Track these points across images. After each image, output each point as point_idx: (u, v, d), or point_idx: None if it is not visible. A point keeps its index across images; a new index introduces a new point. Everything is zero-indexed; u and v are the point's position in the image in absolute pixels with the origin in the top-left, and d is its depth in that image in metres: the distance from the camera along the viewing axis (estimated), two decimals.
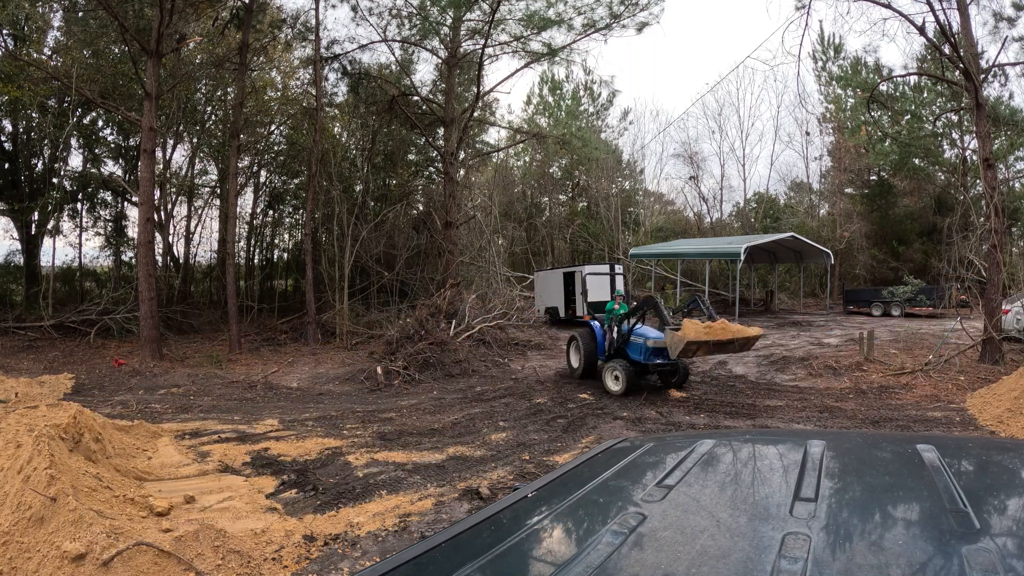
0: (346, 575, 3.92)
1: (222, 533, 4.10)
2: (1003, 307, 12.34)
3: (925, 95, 24.04)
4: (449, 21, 17.86)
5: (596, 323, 10.73)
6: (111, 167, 19.76)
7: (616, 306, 10.56)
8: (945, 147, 25.59)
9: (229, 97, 19.23)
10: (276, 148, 21.75)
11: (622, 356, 9.87)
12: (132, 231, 19.49)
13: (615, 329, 10.10)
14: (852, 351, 12.92)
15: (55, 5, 15.75)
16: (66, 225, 19.12)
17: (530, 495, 1.43)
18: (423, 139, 21.27)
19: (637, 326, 9.80)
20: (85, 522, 3.58)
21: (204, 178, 22.04)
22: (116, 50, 16.15)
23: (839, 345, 14.25)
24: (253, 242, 23.00)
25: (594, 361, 10.64)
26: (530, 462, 6.36)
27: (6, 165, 17.38)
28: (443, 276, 18.09)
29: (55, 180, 17.88)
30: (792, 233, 22.88)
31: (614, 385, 9.65)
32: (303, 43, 19.25)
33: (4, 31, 15.15)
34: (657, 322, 9.74)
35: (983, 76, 12.42)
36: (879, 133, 25.02)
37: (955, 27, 11.41)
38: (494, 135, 28.01)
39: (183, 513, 4.59)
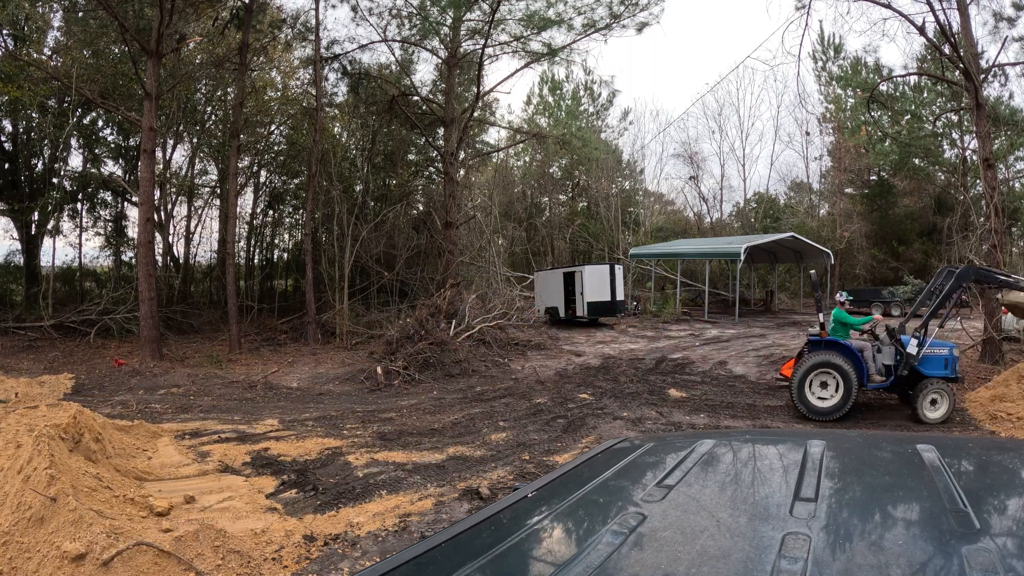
0: (346, 575, 3.92)
1: (222, 533, 4.09)
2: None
3: (925, 95, 24.03)
4: (449, 21, 17.86)
5: (853, 343, 8.23)
6: (111, 167, 19.78)
7: (843, 311, 8.45)
8: (945, 147, 25.58)
9: (229, 97, 19.23)
10: (276, 148, 21.75)
11: (916, 376, 7.90)
12: (132, 231, 19.50)
13: (888, 344, 8.13)
14: None
15: (55, 5, 15.75)
16: (66, 225, 19.14)
17: (530, 495, 1.43)
18: (423, 139, 21.27)
19: (912, 338, 7.90)
20: (85, 522, 3.58)
21: (204, 178, 22.05)
22: (116, 50, 16.15)
23: None
24: (253, 242, 23.00)
25: (857, 392, 8.05)
26: (530, 462, 6.36)
27: (6, 165, 17.38)
28: (443, 276, 18.09)
29: (55, 180, 17.87)
30: (792, 233, 22.88)
31: (932, 412, 7.72)
32: (303, 43, 19.26)
33: (4, 31, 15.15)
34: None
35: (983, 76, 12.42)
36: (879, 133, 25.01)
37: (955, 27, 11.41)
38: (494, 135, 28.02)
39: (183, 513, 4.59)
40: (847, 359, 7.93)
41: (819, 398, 8.05)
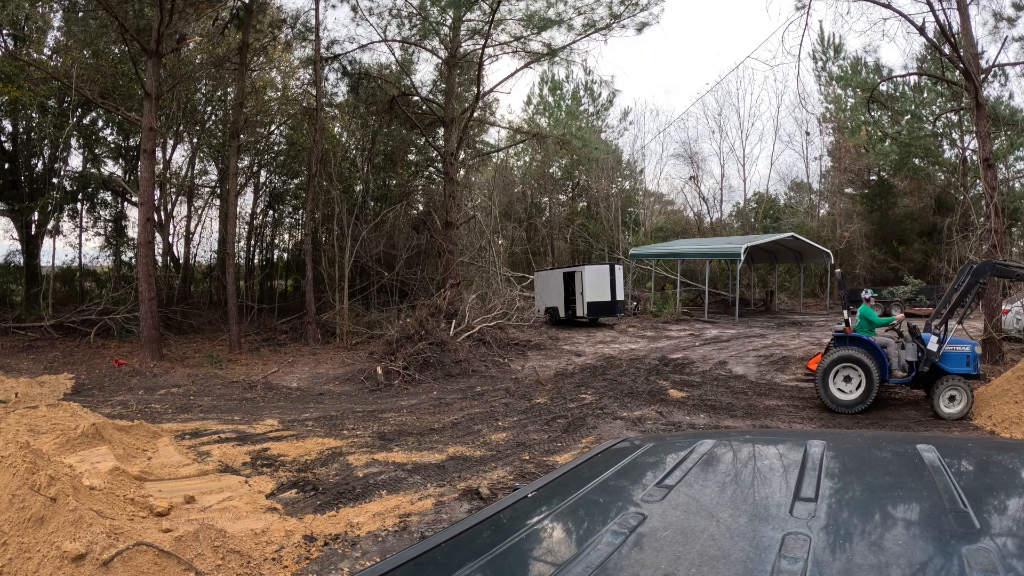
0: (346, 575, 3.92)
1: (222, 533, 4.09)
2: (1003, 307, 12.35)
3: (925, 95, 24.04)
4: (449, 21, 17.86)
5: (876, 339, 8.41)
6: (111, 167, 19.76)
7: (869, 308, 8.63)
8: (945, 147, 25.59)
9: (229, 97, 19.23)
10: (276, 148, 21.75)
11: (935, 372, 8.03)
12: (132, 231, 19.49)
13: (906, 340, 8.32)
14: None
15: (55, 5, 15.75)
16: (66, 225, 19.13)
17: (530, 495, 1.43)
18: (423, 139, 21.27)
19: (935, 334, 8.04)
20: (85, 522, 3.58)
21: (204, 178, 22.04)
22: (116, 50, 16.14)
23: None
24: (253, 242, 22.99)
25: (880, 387, 8.28)
26: (530, 462, 6.36)
27: (6, 165, 17.38)
28: (443, 276, 18.09)
29: (55, 180, 17.87)
30: (792, 233, 22.89)
31: (950, 407, 7.83)
32: (303, 43, 19.26)
33: (4, 31, 15.14)
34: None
35: (983, 76, 12.42)
36: (879, 133, 25.01)
37: (955, 27, 11.41)
38: (494, 135, 28.00)
39: (183, 513, 4.59)
40: (870, 354, 8.12)
41: (842, 391, 8.25)
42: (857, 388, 8.15)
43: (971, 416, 7.85)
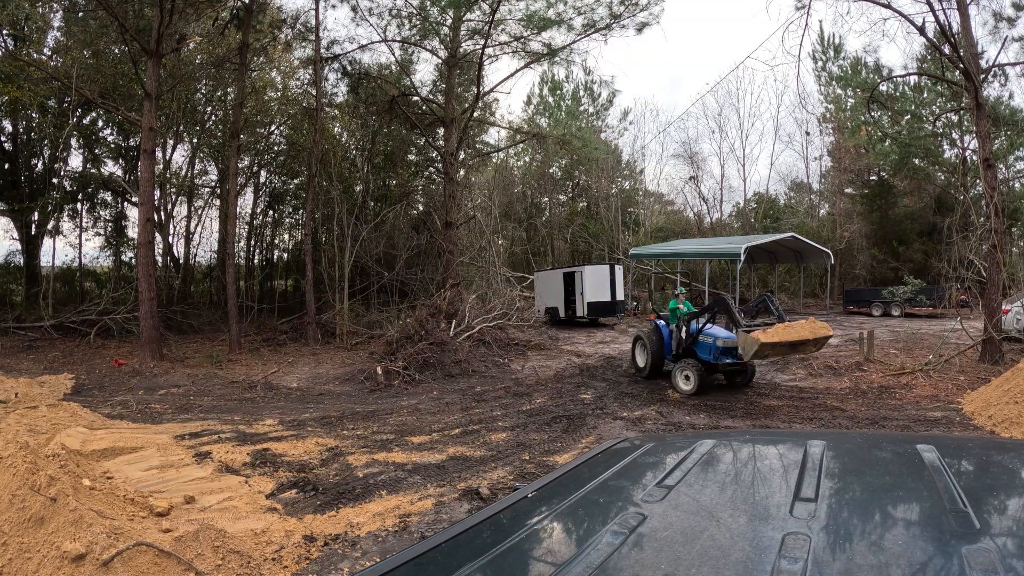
0: (346, 575, 3.92)
1: (222, 533, 4.09)
2: (1003, 307, 12.34)
3: (925, 95, 24.05)
4: (449, 21, 17.86)
5: (662, 322, 10.57)
6: (111, 167, 19.79)
7: (680, 305, 10.45)
8: (945, 147, 25.60)
9: (229, 97, 19.23)
10: (276, 148, 21.76)
11: (690, 356, 9.70)
12: (132, 231, 19.50)
13: (682, 328, 9.97)
14: (852, 351, 12.92)
15: (55, 5, 15.75)
16: (66, 225, 19.16)
17: (530, 495, 1.43)
18: (423, 139, 21.27)
19: (707, 326, 9.61)
20: (85, 522, 3.58)
21: (204, 178, 22.07)
22: (116, 50, 16.15)
23: (839, 345, 14.24)
24: (253, 242, 23.01)
25: (661, 361, 10.48)
26: (530, 462, 6.35)
27: (6, 165, 17.38)
28: (443, 276, 18.09)
29: (55, 180, 17.88)
30: (792, 233, 22.88)
31: (685, 385, 9.48)
32: (303, 43, 19.27)
33: (4, 31, 15.15)
34: (724, 321, 9.79)
35: (983, 76, 12.42)
36: (879, 133, 25.02)
37: (955, 27, 11.41)
38: (494, 135, 28.02)
39: (183, 513, 4.59)
40: (656, 335, 10.53)
41: (640, 361, 11.09)
42: (648, 359, 10.65)
43: (972, 416, 7.86)
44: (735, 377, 10.01)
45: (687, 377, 9.49)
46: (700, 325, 9.66)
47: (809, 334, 8.55)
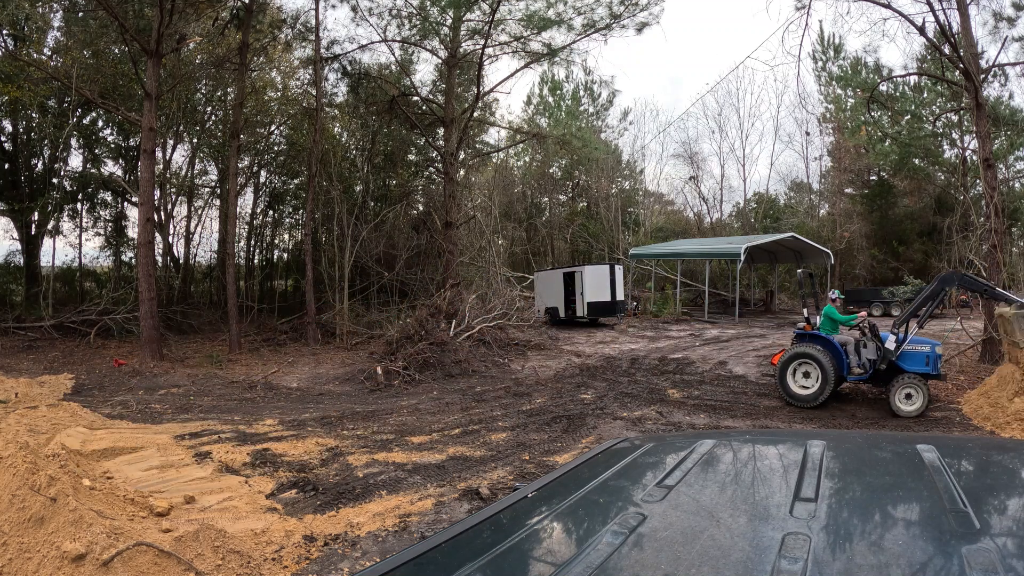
0: (346, 575, 3.92)
1: (222, 533, 4.09)
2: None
3: (925, 95, 24.04)
4: (449, 21, 17.86)
5: (832, 337, 8.63)
6: (111, 167, 19.78)
7: (833, 308, 8.93)
8: (945, 147, 25.59)
9: (229, 97, 19.23)
10: (276, 148, 21.76)
11: (894, 370, 8.18)
12: (132, 231, 19.50)
13: (867, 339, 8.44)
14: None
15: (55, 5, 15.75)
16: (66, 225, 19.15)
17: (530, 495, 1.43)
18: (423, 139, 21.27)
19: (907, 333, 8.16)
20: (85, 522, 3.58)
21: (204, 178, 22.06)
22: (116, 50, 16.15)
23: None
24: (253, 242, 23.01)
25: (839, 382, 8.60)
26: (530, 462, 6.35)
27: (6, 165, 17.38)
28: (443, 276, 18.09)
29: (55, 180, 17.88)
30: (792, 233, 22.89)
31: (908, 405, 7.93)
32: (303, 43, 19.27)
33: (4, 31, 15.15)
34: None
35: (983, 76, 12.42)
36: (879, 133, 25.00)
37: (955, 27, 11.41)
38: (494, 135, 28.01)
39: (183, 513, 4.59)
40: (827, 351, 8.40)
41: (800, 386, 8.58)
42: (814, 383, 8.42)
43: (967, 417, 7.86)
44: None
45: (908, 396, 7.93)
46: (906, 329, 8.10)
47: None
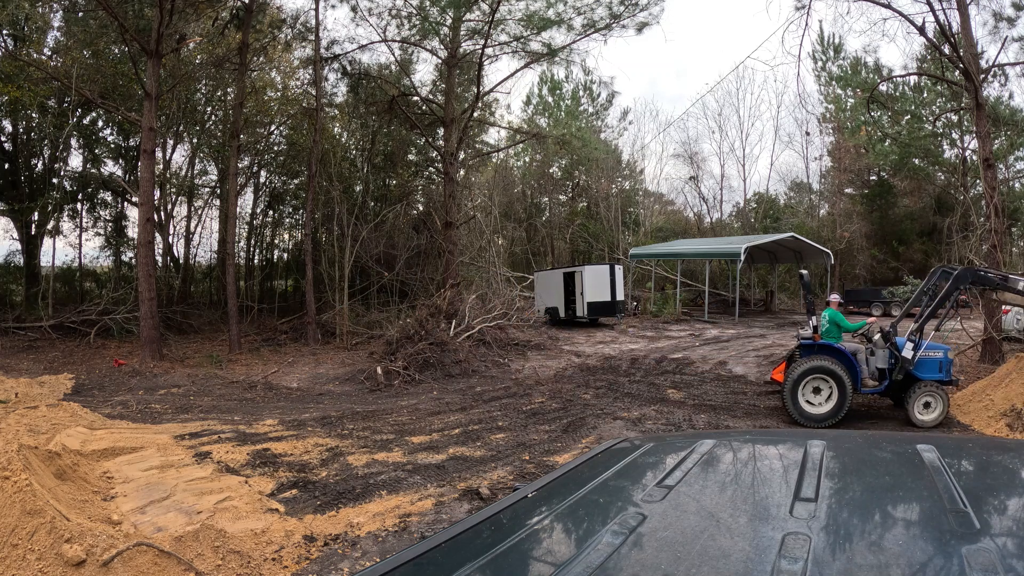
0: (346, 575, 3.92)
1: (222, 533, 4.09)
2: (1003, 307, 12.33)
3: (925, 95, 24.05)
4: (449, 21, 17.85)
5: (844, 347, 8.04)
6: (111, 167, 19.78)
7: (838, 313, 8.32)
8: (945, 147, 25.61)
9: (229, 97, 19.23)
10: (276, 148, 21.76)
11: (908, 379, 7.77)
12: (132, 231, 19.50)
13: (883, 347, 7.95)
14: None
15: (55, 5, 15.74)
16: (66, 225, 19.14)
17: (530, 495, 1.43)
18: (423, 139, 21.27)
19: (921, 341, 7.73)
20: (85, 522, 3.57)
21: (204, 178, 22.05)
22: (116, 50, 16.15)
23: None
24: (253, 242, 23.00)
25: (852, 394, 7.87)
26: (530, 462, 6.35)
27: (6, 165, 17.38)
28: (443, 276, 18.09)
29: (55, 180, 17.88)
30: (792, 233, 22.88)
31: (926, 414, 7.59)
32: (303, 43, 19.26)
33: (4, 31, 15.15)
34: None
35: (983, 76, 12.42)
36: (879, 133, 25.02)
37: (955, 27, 11.41)
38: (494, 135, 28.00)
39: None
40: (842, 364, 7.76)
41: (812, 404, 7.84)
42: (828, 400, 7.73)
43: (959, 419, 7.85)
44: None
45: (927, 404, 7.60)
46: (920, 336, 7.69)
47: None
